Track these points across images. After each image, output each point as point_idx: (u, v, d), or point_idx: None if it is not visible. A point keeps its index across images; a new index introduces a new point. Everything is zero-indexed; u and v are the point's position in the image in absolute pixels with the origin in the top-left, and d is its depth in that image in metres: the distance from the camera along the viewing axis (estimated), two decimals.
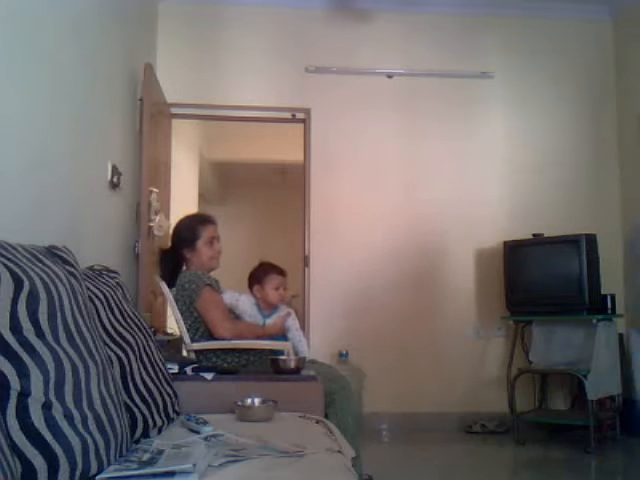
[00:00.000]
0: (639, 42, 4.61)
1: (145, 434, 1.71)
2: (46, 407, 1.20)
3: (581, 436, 3.91)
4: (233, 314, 2.98)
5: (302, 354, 2.83)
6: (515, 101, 4.82)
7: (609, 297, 4.17)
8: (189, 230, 2.98)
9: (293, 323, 3.02)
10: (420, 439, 4.26)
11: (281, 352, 2.66)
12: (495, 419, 4.36)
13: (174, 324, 3.00)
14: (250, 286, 3.07)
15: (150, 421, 1.75)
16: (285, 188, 6.78)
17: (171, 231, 3.18)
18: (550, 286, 4.19)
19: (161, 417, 1.83)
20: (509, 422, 4.27)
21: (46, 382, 1.22)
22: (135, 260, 3.47)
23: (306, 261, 4.53)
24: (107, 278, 2.00)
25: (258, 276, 3.05)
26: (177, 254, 2.99)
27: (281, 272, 3.07)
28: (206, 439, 1.70)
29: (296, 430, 1.92)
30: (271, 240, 7.01)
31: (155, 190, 3.61)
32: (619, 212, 4.76)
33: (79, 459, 1.23)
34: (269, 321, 2.99)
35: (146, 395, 1.79)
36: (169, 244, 3.11)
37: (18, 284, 1.25)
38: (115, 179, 3.04)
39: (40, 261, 1.41)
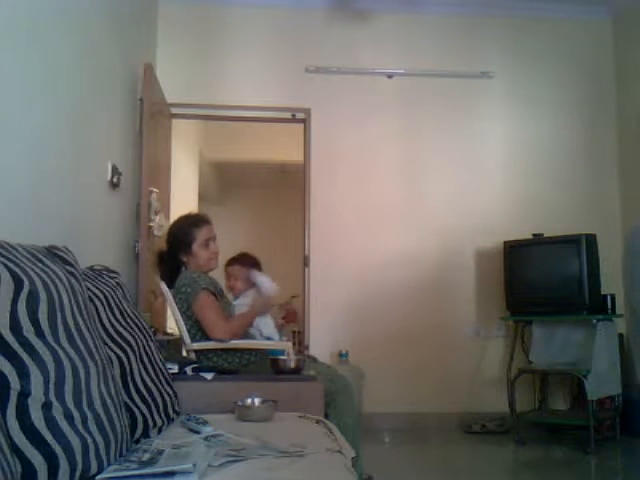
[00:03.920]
0: (639, 42, 4.61)
1: (145, 434, 1.71)
2: (46, 407, 1.20)
3: (581, 436, 3.91)
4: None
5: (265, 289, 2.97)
6: (515, 101, 4.82)
7: (609, 297, 4.17)
8: (184, 234, 2.95)
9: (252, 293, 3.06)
10: (420, 439, 4.26)
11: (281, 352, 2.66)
12: (495, 419, 4.36)
13: (174, 324, 2.99)
14: None
15: (150, 421, 1.75)
16: (285, 188, 6.78)
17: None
18: (550, 286, 4.19)
19: (161, 417, 1.83)
20: (509, 422, 4.27)
21: (46, 382, 1.22)
22: (135, 260, 3.47)
23: (306, 261, 4.53)
24: (107, 278, 2.00)
25: None
26: (174, 257, 2.98)
27: (230, 262, 3.26)
28: (206, 439, 1.69)
29: (296, 430, 1.92)
30: (271, 240, 7.01)
31: (155, 190, 3.61)
32: (619, 212, 4.76)
33: (79, 459, 1.23)
34: (236, 302, 3.06)
35: (146, 395, 1.79)
36: (165, 246, 3.09)
37: (18, 284, 1.25)
38: (115, 179, 3.04)
39: (40, 261, 1.41)
